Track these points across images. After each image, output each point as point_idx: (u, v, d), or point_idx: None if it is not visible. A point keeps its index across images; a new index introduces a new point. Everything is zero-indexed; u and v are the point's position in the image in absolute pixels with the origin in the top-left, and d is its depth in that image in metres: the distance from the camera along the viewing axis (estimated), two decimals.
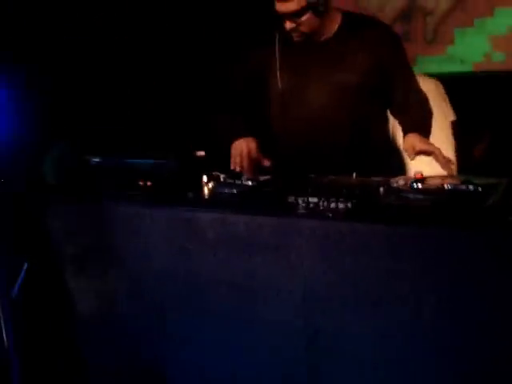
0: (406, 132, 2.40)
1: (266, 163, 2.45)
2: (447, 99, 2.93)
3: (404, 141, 2.38)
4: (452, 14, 4.16)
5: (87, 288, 2.37)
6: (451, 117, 2.96)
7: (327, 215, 1.93)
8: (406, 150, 2.34)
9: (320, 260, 1.93)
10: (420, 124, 2.41)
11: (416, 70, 2.63)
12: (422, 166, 2.40)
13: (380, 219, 1.85)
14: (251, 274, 2.03)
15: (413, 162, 2.42)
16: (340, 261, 1.90)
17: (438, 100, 2.63)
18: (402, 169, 2.84)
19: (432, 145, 2.30)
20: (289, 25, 2.39)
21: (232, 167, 2.43)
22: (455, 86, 4.01)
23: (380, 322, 1.87)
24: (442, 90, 2.91)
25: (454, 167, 2.28)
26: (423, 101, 2.54)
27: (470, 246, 1.74)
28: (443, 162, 2.22)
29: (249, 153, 2.43)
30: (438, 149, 2.27)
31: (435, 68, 4.21)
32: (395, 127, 2.75)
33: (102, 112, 3.60)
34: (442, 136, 2.68)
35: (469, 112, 3.87)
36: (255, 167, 2.43)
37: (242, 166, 2.41)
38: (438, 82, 2.88)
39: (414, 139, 2.33)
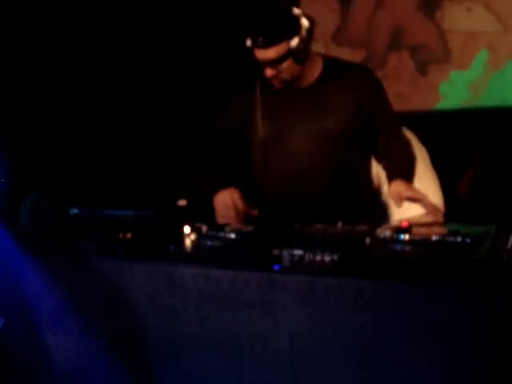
0: (390, 179, 2.38)
1: (253, 212, 2.40)
2: (424, 150, 2.93)
3: (389, 188, 2.35)
4: None
5: (65, 345, 2.28)
6: (428, 159, 2.96)
7: (312, 269, 1.88)
8: (392, 198, 2.31)
9: (306, 316, 1.87)
10: (405, 170, 2.39)
11: None
12: (406, 209, 2.39)
13: (367, 274, 1.80)
14: (235, 331, 1.97)
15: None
16: (326, 317, 1.84)
17: (417, 150, 2.61)
18: (386, 213, 2.81)
19: (418, 192, 2.27)
20: (269, 72, 2.36)
21: (218, 220, 2.37)
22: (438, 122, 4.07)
23: (369, 380, 1.81)
24: (418, 141, 2.91)
25: (441, 214, 2.24)
26: (406, 145, 2.52)
27: (460, 301, 1.69)
28: (431, 208, 2.19)
29: (233, 203, 2.38)
30: (425, 195, 2.25)
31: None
32: (379, 172, 2.73)
33: (82, 161, 3.58)
34: (426, 179, 2.65)
35: (450, 148, 3.90)
36: (242, 218, 2.37)
37: (229, 218, 2.35)
38: (412, 132, 2.88)
39: (400, 186, 2.30)
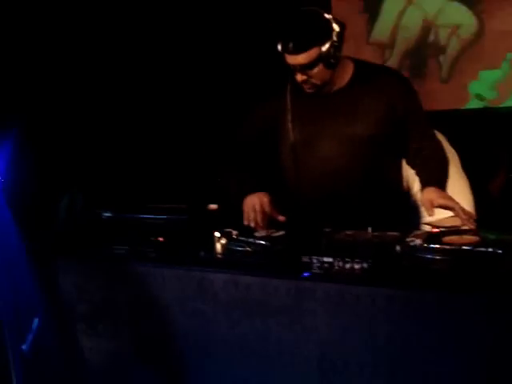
0: (423, 185, 2.35)
1: (280, 218, 2.40)
2: (455, 152, 2.89)
3: (422, 195, 2.32)
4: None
5: (99, 347, 2.33)
6: (458, 162, 2.92)
7: (342, 277, 1.89)
8: (424, 205, 2.29)
9: (335, 324, 1.88)
10: (437, 176, 2.36)
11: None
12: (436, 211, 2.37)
13: (397, 283, 1.80)
14: (265, 338, 1.99)
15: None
16: (356, 326, 1.85)
17: (448, 154, 2.58)
18: (417, 215, 2.80)
19: (452, 200, 2.24)
20: (300, 77, 2.36)
21: (245, 223, 2.39)
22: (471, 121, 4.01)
23: None
24: (448, 144, 2.87)
25: (473, 221, 2.21)
26: (438, 149, 2.49)
27: (488, 312, 1.68)
28: (464, 217, 2.17)
29: (262, 207, 2.39)
30: (458, 204, 2.21)
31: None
32: (410, 176, 2.71)
33: (116, 164, 3.62)
34: (458, 184, 2.62)
35: (481, 148, 3.85)
36: (269, 222, 2.38)
37: (255, 222, 2.37)
38: (443, 136, 2.84)
39: (433, 194, 2.27)
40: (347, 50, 2.45)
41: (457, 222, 2.24)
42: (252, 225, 2.36)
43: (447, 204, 2.23)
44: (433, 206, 2.26)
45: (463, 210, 2.22)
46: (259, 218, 2.38)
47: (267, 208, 2.40)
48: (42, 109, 3.30)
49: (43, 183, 2.76)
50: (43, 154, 2.89)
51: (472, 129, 3.92)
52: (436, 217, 2.32)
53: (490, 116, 4.05)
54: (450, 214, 2.33)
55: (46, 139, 3.14)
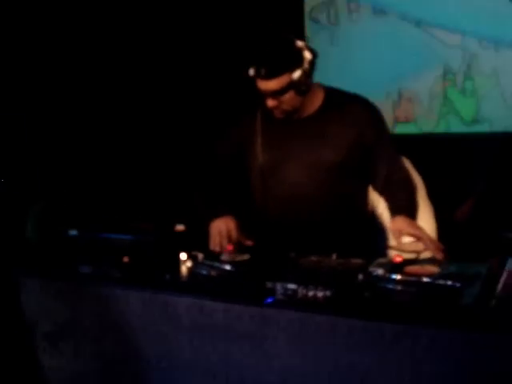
0: (393, 213, 2.38)
1: (248, 243, 2.42)
2: (420, 179, 2.94)
3: (391, 223, 2.35)
4: None
5: (60, 366, 2.32)
6: (423, 189, 2.97)
7: (305, 305, 1.91)
8: (393, 234, 2.32)
9: (297, 351, 1.90)
10: (406, 205, 2.39)
11: None
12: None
13: (356, 313, 1.83)
14: (227, 363, 2.00)
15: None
16: (317, 354, 1.87)
17: (412, 172, 2.63)
18: (383, 239, 2.84)
19: (420, 229, 2.28)
20: (270, 102, 2.38)
21: (211, 247, 2.40)
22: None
23: None
24: (413, 169, 2.92)
25: (440, 251, 2.25)
26: (406, 178, 2.53)
27: (447, 345, 1.71)
28: (432, 247, 2.20)
29: (228, 233, 2.41)
30: (426, 233, 2.26)
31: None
32: (375, 198, 2.75)
33: (83, 183, 3.62)
34: (423, 212, 2.66)
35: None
36: (235, 247, 2.40)
37: (220, 247, 2.38)
38: (408, 161, 2.90)
39: (402, 223, 2.30)
40: None
41: (419, 247, 2.29)
42: (217, 249, 2.38)
43: (415, 234, 2.26)
44: (401, 235, 2.29)
45: (431, 239, 2.26)
46: (224, 243, 2.39)
47: (233, 233, 2.42)
48: (12, 122, 3.30)
49: (7, 199, 2.74)
50: (8, 170, 2.88)
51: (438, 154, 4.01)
52: (405, 241, 2.36)
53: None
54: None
55: (12, 155, 3.14)
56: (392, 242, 2.53)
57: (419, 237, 2.24)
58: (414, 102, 4.35)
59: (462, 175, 3.96)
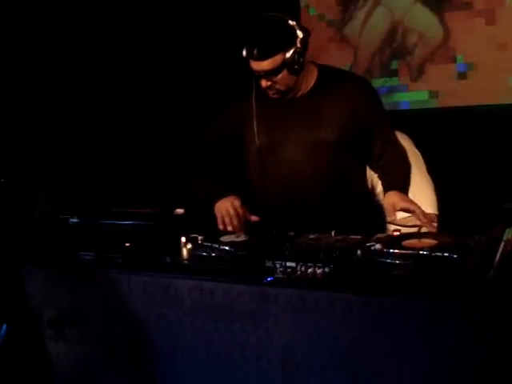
0: (386, 189, 2.40)
1: (254, 218, 2.44)
2: (420, 155, 2.94)
3: (384, 199, 2.38)
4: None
5: (66, 353, 2.35)
6: (425, 171, 2.97)
7: (304, 282, 1.92)
8: (387, 209, 2.34)
9: (297, 328, 1.92)
10: (399, 181, 2.41)
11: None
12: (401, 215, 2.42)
13: (355, 288, 1.84)
14: (229, 342, 2.02)
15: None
16: (317, 330, 1.89)
17: (412, 157, 2.63)
18: (382, 216, 2.85)
19: (413, 203, 2.30)
20: (264, 83, 2.39)
21: (221, 227, 2.42)
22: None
23: None
24: (413, 146, 2.93)
25: (434, 224, 2.26)
26: (401, 154, 2.54)
27: (445, 317, 1.72)
28: (424, 221, 2.22)
29: (235, 211, 2.42)
30: (419, 207, 2.27)
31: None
32: (374, 176, 2.76)
33: (83, 171, 3.64)
34: (421, 191, 2.67)
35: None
36: (243, 224, 2.41)
37: (232, 225, 2.40)
38: (408, 137, 2.90)
39: (395, 197, 2.32)
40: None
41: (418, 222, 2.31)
42: (229, 229, 2.39)
43: (408, 207, 2.29)
44: (395, 209, 2.31)
45: (424, 212, 2.27)
46: (235, 222, 2.41)
47: (240, 211, 2.44)
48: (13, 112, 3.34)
49: (10, 188, 2.76)
50: (8, 170, 2.91)
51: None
52: (399, 216, 2.38)
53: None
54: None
55: (13, 155, 3.18)
56: (390, 218, 2.55)
57: (412, 210, 2.26)
58: None
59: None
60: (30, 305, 2.38)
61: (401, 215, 2.39)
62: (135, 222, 2.41)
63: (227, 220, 2.44)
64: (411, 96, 4.35)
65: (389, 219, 2.35)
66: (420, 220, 2.23)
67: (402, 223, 2.32)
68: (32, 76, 3.84)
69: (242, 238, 2.30)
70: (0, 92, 3.60)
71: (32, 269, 2.39)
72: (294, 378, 1.94)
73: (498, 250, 1.91)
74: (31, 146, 3.60)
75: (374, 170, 2.58)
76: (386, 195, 2.37)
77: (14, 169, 3.30)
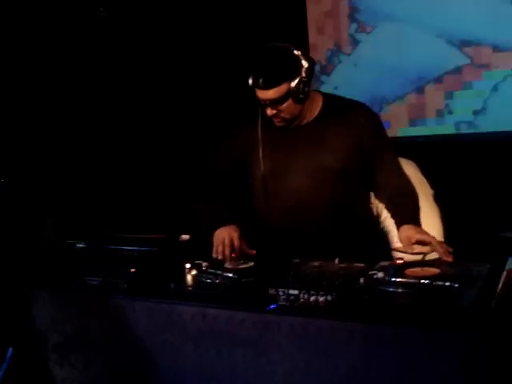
0: (399, 224, 2.40)
1: (250, 252, 2.45)
2: (426, 182, 2.96)
3: (399, 233, 2.37)
4: None
5: (71, 378, 2.36)
6: (431, 198, 2.98)
7: (306, 310, 1.93)
8: (403, 242, 2.34)
9: (299, 357, 1.93)
10: (411, 213, 2.41)
11: None
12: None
13: (357, 317, 1.85)
14: (232, 369, 2.03)
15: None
16: (319, 358, 1.89)
17: (418, 183, 2.64)
18: (387, 243, 2.85)
19: (428, 234, 2.29)
20: (270, 111, 2.42)
21: (214, 255, 2.43)
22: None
23: None
24: (419, 172, 2.94)
25: (449, 254, 2.26)
26: (407, 185, 2.54)
27: (447, 347, 1.73)
28: (441, 251, 2.22)
29: (230, 241, 2.44)
30: (435, 238, 2.27)
31: None
32: (379, 203, 2.77)
33: (89, 197, 3.67)
34: (427, 218, 2.68)
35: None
36: (238, 255, 2.43)
37: (223, 255, 2.42)
38: (415, 164, 2.91)
39: (410, 231, 2.31)
40: None
41: (424, 248, 2.31)
42: (220, 258, 2.41)
43: (424, 239, 2.28)
44: (411, 242, 2.31)
45: (440, 243, 2.27)
46: (227, 252, 2.42)
47: (236, 242, 2.45)
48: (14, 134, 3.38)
49: (10, 188, 2.80)
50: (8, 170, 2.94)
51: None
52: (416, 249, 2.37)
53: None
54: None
55: (13, 155, 3.21)
56: (395, 244, 2.55)
57: (428, 242, 2.26)
58: None
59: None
60: (36, 329, 2.41)
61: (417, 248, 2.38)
62: (140, 248, 2.44)
63: (220, 249, 2.45)
64: None
65: (407, 253, 2.34)
66: (437, 251, 2.23)
67: (408, 250, 2.32)
68: (32, 76, 3.87)
69: (246, 265, 2.32)
70: (0, 92, 3.63)
71: (38, 293, 2.42)
72: None
73: (499, 280, 1.91)
74: (31, 146, 3.62)
75: (380, 199, 2.59)
76: (400, 230, 2.36)
77: (14, 169, 3.32)
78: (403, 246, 2.34)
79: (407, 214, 2.43)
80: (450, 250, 2.28)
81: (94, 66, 4.15)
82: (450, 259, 2.21)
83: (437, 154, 3.96)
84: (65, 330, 2.36)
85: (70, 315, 2.35)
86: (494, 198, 3.79)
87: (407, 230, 2.35)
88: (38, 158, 3.63)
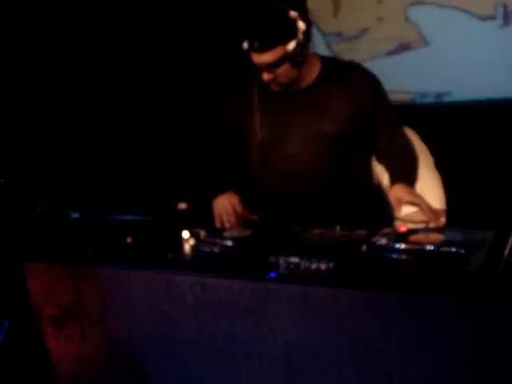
0: (392, 182, 2.35)
1: (252, 217, 2.40)
2: (426, 149, 2.90)
3: (390, 192, 2.33)
4: None
5: (67, 350, 2.32)
6: (432, 165, 2.93)
7: (307, 278, 1.88)
8: (392, 202, 2.29)
9: (301, 325, 1.88)
10: (405, 173, 2.37)
11: None
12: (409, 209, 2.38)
13: (359, 284, 1.80)
14: (232, 339, 1.99)
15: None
16: (320, 326, 1.85)
17: (419, 150, 2.58)
18: (389, 211, 2.80)
19: (419, 197, 2.25)
20: (266, 76, 2.34)
21: (217, 225, 2.38)
22: None
23: None
24: (420, 140, 2.88)
25: (443, 219, 2.22)
26: (407, 146, 2.50)
27: (452, 313, 1.68)
28: (430, 215, 2.17)
29: (233, 208, 2.39)
30: (425, 201, 2.22)
31: None
32: (380, 170, 2.71)
33: (83, 166, 3.62)
34: (428, 186, 2.63)
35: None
36: (241, 222, 2.38)
37: (229, 223, 2.36)
38: (414, 132, 2.86)
39: (400, 191, 2.28)
40: None
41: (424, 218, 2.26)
42: (225, 226, 2.36)
43: (414, 201, 2.24)
44: (401, 203, 2.27)
45: (430, 207, 2.23)
46: (232, 219, 2.37)
47: (238, 208, 2.40)
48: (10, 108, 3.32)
49: (10, 188, 2.75)
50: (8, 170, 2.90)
51: None
52: (406, 211, 2.34)
53: None
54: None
55: (13, 155, 3.17)
56: (397, 213, 2.51)
57: (417, 204, 2.21)
58: None
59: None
60: (31, 301, 2.36)
61: (406, 209, 2.35)
62: (137, 217, 2.38)
63: (224, 217, 2.40)
64: None
65: (395, 213, 2.31)
66: (426, 215, 2.19)
67: (409, 219, 2.27)
68: (32, 76, 3.82)
69: (245, 233, 2.26)
70: (0, 92, 3.57)
71: (32, 265, 2.36)
72: (297, 376, 1.91)
73: (506, 245, 1.86)
74: (31, 146, 3.58)
75: (380, 162, 2.53)
76: (392, 188, 2.32)
77: (14, 169, 3.29)
78: (393, 206, 2.30)
79: (402, 174, 2.38)
80: (442, 214, 2.24)
81: (88, 57, 4.09)
82: (439, 224, 2.17)
83: (437, 121, 3.88)
84: (60, 303, 2.31)
85: (65, 287, 2.30)
86: (498, 165, 3.73)
87: (398, 189, 2.31)
88: (38, 156, 3.60)
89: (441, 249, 1.87)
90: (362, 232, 2.15)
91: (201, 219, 2.41)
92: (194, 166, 2.64)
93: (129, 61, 4.16)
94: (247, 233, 2.27)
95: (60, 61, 3.97)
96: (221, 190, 2.45)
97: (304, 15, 2.34)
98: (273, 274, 1.95)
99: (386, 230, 2.16)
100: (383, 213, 2.70)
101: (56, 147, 3.66)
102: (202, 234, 2.25)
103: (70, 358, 2.31)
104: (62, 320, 2.31)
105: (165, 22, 4.22)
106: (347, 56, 4.13)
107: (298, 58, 2.30)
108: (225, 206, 2.40)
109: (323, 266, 1.91)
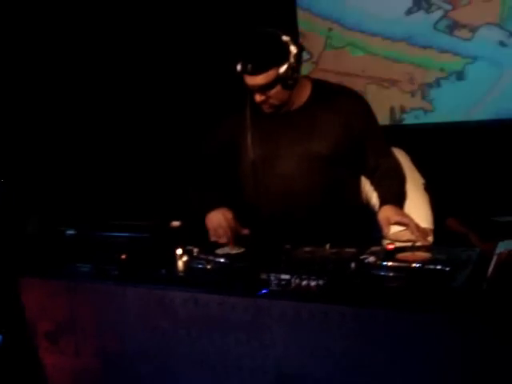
0: (381, 203, 2.42)
1: (245, 232, 2.46)
2: (416, 171, 2.97)
3: (379, 213, 2.39)
4: None
5: (60, 364, 2.35)
6: (421, 186, 2.99)
7: (298, 294, 1.94)
8: (381, 222, 2.35)
9: (292, 340, 1.93)
10: (394, 194, 2.43)
11: None
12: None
13: (349, 300, 1.86)
14: (224, 354, 2.03)
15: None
16: (311, 342, 1.90)
17: (408, 172, 2.65)
18: (377, 230, 2.86)
19: (407, 217, 2.31)
20: (258, 97, 2.41)
21: (212, 239, 2.43)
22: None
23: None
24: (409, 161, 2.95)
25: (430, 238, 2.29)
26: (395, 167, 2.56)
27: (438, 329, 1.74)
28: (417, 234, 2.23)
29: (227, 223, 2.44)
30: (413, 221, 2.28)
31: None
32: (368, 189, 2.77)
33: (79, 183, 3.66)
34: (415, 205, 2.69)
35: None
36: (234, 237, 2.43)
37: (224, 238, 2.42)
38: (404, 153, 2.93)
39: (389, 211, 2.34)
40: None
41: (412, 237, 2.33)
42: (221, 241, 2.41)
43: (402, 221, 2.30)
44: (389, 223, 2.33)
45: (417, 226, 2.29)
46: (226, 234, 2.43)
47: (232, 223, 2.46)
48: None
49: (10, 188, 2.78)
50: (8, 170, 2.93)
51: None
52: (393, 230, 2.40)
53: None
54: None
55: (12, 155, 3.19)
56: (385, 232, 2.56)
57: (406, 224, 2.28)
58: None
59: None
60: (26, 316, 2.39)
61: (395, 229, 2.41)
62: (131, 234, 2.43)
63: (220, 232, 2.46)
64: None
65: (383, 233, 2.37)
66: (413, 233, 2.25)
67: (397, 238, 2.34)
68: (32, 76, 3.85)
69: (237, 250, 2.32)
70: (0, 92, 3.61)
71: (28, 280, 2.40)
72: None
73: (490, 263, 1.93)
74: (31, 146, 3.61)
75: (370, 183, 2.60)
76: (381, 209, 2.39)
77: (14, 169, 3.32)
78: (382, 226, 2.36)
79: (390, 195, 2.45)
80: (429, 234, 2.30)
81: (89, 62, 4.13)
82: (426, 243, 2.24)
83: (426, 142, 3.96)
84: (55, 318, 2.35)
85: (60, 302, 2.34)
86: (484, 184, 3.81)
87: (387, 210, 2.38)
88: (38, 155, 3.64)
89: (426, 266, 1.93)
90: (351, 250, 2.21)
91: (194, 237, 2.45)
92: (188, 183, 2.70)
93: (120, 79, 4.21)
94: (239, 250, 2.33)
95: (60, 61, 3.99)
96: (215, 205, 2.51)
97: (296, 39, 2.42)
98: (264, 291, 2.01)
99: (375, 248, 2.22)
100: (371, 231, 2.76)
101: (47, 166, 3.69)
102: (195, 251, 2.30)
103: (65, 373, 2.34)
104: (57, 335, 2.35)
105: (161, 41, 4.28)
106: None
107: (290, 81, 2.37)
108: (219, 220, 2.46)
109: (313, 283, 1.97)
